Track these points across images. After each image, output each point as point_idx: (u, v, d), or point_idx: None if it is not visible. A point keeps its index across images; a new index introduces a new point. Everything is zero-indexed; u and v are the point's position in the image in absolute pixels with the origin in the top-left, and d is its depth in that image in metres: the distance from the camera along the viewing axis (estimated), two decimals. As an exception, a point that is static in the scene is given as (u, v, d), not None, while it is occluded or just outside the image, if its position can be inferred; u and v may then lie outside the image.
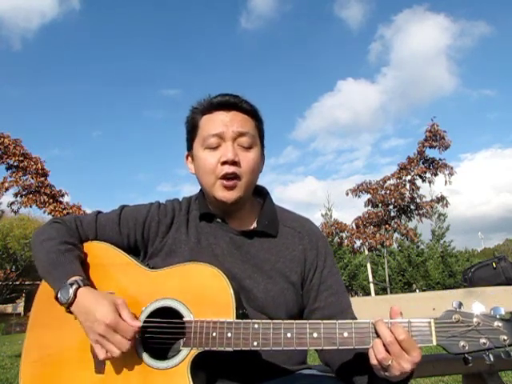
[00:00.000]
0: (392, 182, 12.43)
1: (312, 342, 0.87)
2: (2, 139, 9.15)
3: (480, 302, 0.83)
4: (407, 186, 12.21)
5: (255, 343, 0.89)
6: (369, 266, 13.58)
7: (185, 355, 0.93)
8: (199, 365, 0.94)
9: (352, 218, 12.90)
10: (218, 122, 1.09)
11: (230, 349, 0.90)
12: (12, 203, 9.47)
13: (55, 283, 1.00)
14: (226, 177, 1.07)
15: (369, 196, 12.65)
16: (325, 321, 0.88)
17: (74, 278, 0.99)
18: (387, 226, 12.33)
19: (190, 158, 1.20)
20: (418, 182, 12.22)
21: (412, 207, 12.43)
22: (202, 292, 0.97)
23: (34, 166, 9.45)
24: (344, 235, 12.99)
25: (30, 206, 9.48)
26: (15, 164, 9.38)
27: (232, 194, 1.08)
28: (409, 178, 12.20)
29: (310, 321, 0.89)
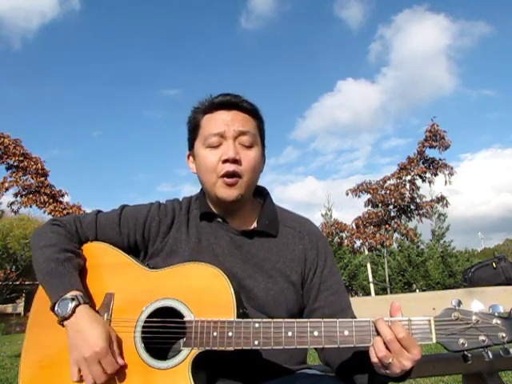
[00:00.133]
0: (392, 181, 12.44)
1: (313, 341, 0.88)
2: (2, 139, 9.15)
3: (479, 301, 0.84)
4: (407, 186, 12.21)
5: (256, 342, 0.89)
6: (369, 266, 13.58)
7: (185, 355, 0.93)
8: (200, 364, 0.94)
9: (352, 218, 12.91)
10: (220, 121, 1.10)
11: (230, 348, 0.90)
12: (12, 203, 9.47)
13: (52, 293, 1.01)
14: (226, 175, 1.07)
15: (369, 196, 12.66)
16: (325, 319, 0.89)
17: (74, 293, 0.99)
18: (387, 225, 12.33)
19: (191, 158, 1.20)
20: (418, 182, 12.23)
21: (412, 207, 12.43)
22: (202, 292, 0.97)
23: (34, 166, 9.45)
24: (344, 235, 13.00)
25: (30, 206, 9.49)
26: (15, 164, 9.38)
27: (233, 192, 1.09)
28: (409, 178, 12.20)
29: (310, 319, 0.90)
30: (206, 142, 1.11)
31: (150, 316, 0.99)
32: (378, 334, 0.84)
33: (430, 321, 0.85)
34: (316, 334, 0.88)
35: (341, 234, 13.14)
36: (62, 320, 0.97)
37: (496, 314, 0.83)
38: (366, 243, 12.30)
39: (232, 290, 0.95)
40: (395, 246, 23.40)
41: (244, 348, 0.90)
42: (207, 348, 0.92)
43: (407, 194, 12.21)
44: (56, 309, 0.98)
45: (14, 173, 9.40)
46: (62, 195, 9.82)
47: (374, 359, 0.84)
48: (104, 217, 1.16)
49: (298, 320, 0.90)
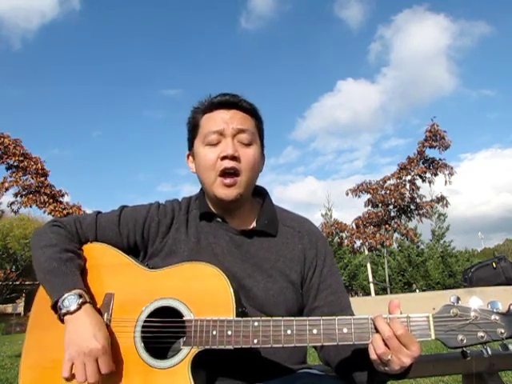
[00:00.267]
0: (392, 182, 12.44)
1: (312, 339, 0.88)
2: (2, 139, 9.15)
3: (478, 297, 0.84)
4: (407, 186, 12.22)
5: (255, 341, 0.89)
6: (369, 266, 13.58)
7: (185, 354, 0.93)
8: (200, 364, 0.95)
9: (352, 218, 12.92)
10: (219, 120, 1.11)
11: (230, 347, 0.91)
12: (12, 203, 9.47)
13: (54, 291, 1.00)
14: (225, 172, 1.08)
15: (369, 196, 12.66)
16: (324, 317, 0.89)
17: (79, 291, 0.99)
18: (387, 225, 12.34)
19: (191, 158, 1.21)
20: (418, 182, 12.24)
21: (412, 207, 12.44)
22: (201, 291, 0.97)
23: (34, 166, 9.45)
24: (344, 235, 13.00)
25: (30, 206, 9.49)
26: (15, 164, 9.38)
27: (232, 192, 1.09)
28: (409, 178, 12.21)
29: (309, 317, 0.90)
30: (205, 139, 1.11)
31: (149, 316, 0.99)
32: (377, 331, 0.85)
33: (428, 317, 0.85)
34: (315, 331, 0.88)
35: (341, 233, 13.14)
36: (65, 314, 0.97)
37: (495, 310, 0.83)
38: (366, 243, 12.30)
39: (231, 289, 0.95)
40: (395, 245, 23.40)
41: (243, 347, 0.90)
42: (207, 347, 0.92)
43: (407, 194, 12.21)
44: (59, 304, 0.98)
45: (14, 173, 9.40)
46: (62, 195, 9.82)
47: (372, 356, 0.85)
48: (104, 218, 1.17)
49: (296, 318, 0.90)
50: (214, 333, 0.92)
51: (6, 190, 9.30)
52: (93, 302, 1.02)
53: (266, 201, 1.22)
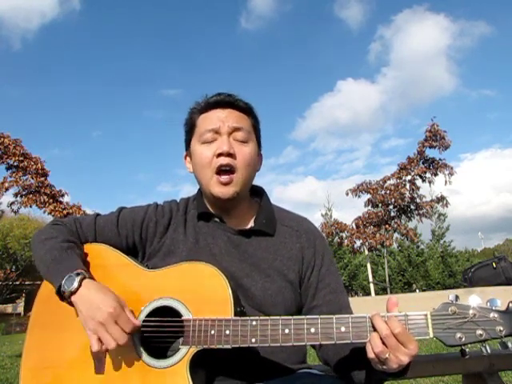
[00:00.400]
0: (392, 182, 12.45)
1: (310, 338, 0.88)
2: (2, 139, 9.15)
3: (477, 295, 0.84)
4: (407, 186, 12.23)
5: (253, 340, 0.89)
6: (369, 266, 13.58)
7: (184, 353, 0.93)
8: (198, 363, 0.95)
9: (352, 218, 12.93)
10: (215, 119, 1.13)
11: (228, 346, 0.91)
12: (12, 203, 9.47)
13: (57, 277, 1.01)
14: (221, 169, 1.09)
15: (369, 196, 12.67)
16: (322, 316, 0.89)
17: (78, 271, 1.00)
18: (387, 226, 12.34)
19: (188, 158, 1.22)
20: (418, 182, 12.25)
21: (412, 207, 12.44)
22: (200, 291, 0.97)
23: (34, 166, 9.45)
24: (344, 235, 13.01)
25: (30, 206, 9.49)
26: (15, 164, 9.38)
27: (228, 190, 1.09)
28: (409, 178, 12.22)
29: (307, 316, 0.90)
30: (201, 138, 1.13)
31: (148, 315, 1.00)
32: (375, 329, 0.85)
33: (426, 315, 0.85)
34: (313, 330, 0.88)
35: (341, 233, 13.15)
36: (70, 296, 0.98)
37: (493, 308, 0.83)
38: (366, 243, 12.31)
39: (229, 288, 0.95)
40: (395, 245, 23.42)
41: (241, 346, 0.90)
42: (205, 346, 0.92)
43: (407, 194, 12.22)
44: (63, 285, 0.99)
45: (14, 173, 9.40)
46: (62, 195, 9.82)
47: (370, 355, 0.85)
48: (103, 219, 1.18)
49: (294, 317, 0.90)
50: (213, 332, 0.92)
51: (6, 190, 9.30)
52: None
53: (264, 200, 1.22)
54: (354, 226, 12.67)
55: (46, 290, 1.08)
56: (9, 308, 27.94)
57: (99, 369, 0.99)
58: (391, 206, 12.39)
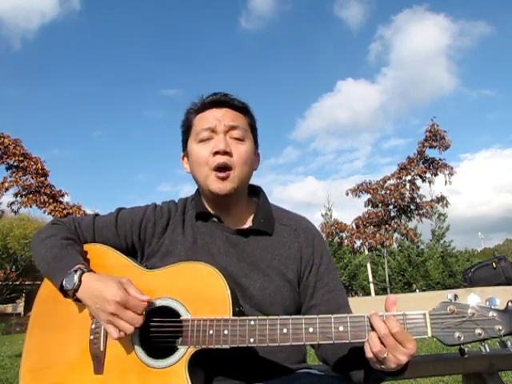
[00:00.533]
0: (392, 182, 12.46)
1: (308, 337, 0.88)
2: (2, 139, 9.16)
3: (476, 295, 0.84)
4: (407, 186, 12.23)
5: (252, 340, 0.89)
6: (369, 266, 13.59)
7: (182, 354, 0.93)
8: (197, 363, 0.95)
9: (352, 218, 12.93)
10: (211, 118, 1.13)
11: (226, 346, 0.91)
12: (12, 203, 9.48)
13: (59, 275, 1.01)
14: (218, 167, 1.09)
15: (369, 196, 12.67)
16: (320, 315, 0.89)
17: (77, 266, 1.01)
18: (387, 226, 12.35)
19: (185, 158, 1.22)
20: (418, 182, 12.26)
21: (412, 207, 12.45)
22: (198, 291, 0.97)
23: (34, 166, 9.46)
24: (344, 235, 13.02)
25: (30, 206, 9.50)
26: (15, 164, 9.39)
27: (225, 185, 1.10)
28: (409, 178, 12.22)
29: (305, 316, 0.90)
30: (198, 137, 1.13)
31: (147, 316, 0.99)
32: (373, 329, 0.84)
33: (425, 315, 0.84)
34: (311, 330, 0.88)
35: (341, 233, 13.16)
36: (74, 294, 0.98)
37: (493, 307, 0.82)
38: (366, 243, 12.31)
39: (228, 288, 0.95)
40: (395, 246, 23.40)
41: (240, 346, 0.90)
42: (203, 346, 0.92)
43: (407, 194, 12.22)
44: (64, 284, 0.99)
45: (14, 173, 9.41)
46: (62, 195, 9.83)
47: (369, 354, 0.84)
48: (101, 219, 1.19)
49: (292, 317, 0.90)
50: (211, 332, 0.92)
51: (6, 189, 9.31)
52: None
53: (262, 199, 1.22)
54: (354, 226, 12.67)
55: (46, 290, 1.08)
56: (9, 308, 27.94)
57: (98, 369, 0.99)
58: (391, 206, 12.40)
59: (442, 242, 24.04)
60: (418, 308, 0.86)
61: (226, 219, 1.16)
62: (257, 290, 1.07)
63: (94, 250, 1.14)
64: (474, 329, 0.82)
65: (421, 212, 12.43)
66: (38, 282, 1.13)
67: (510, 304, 0.81)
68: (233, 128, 1.13)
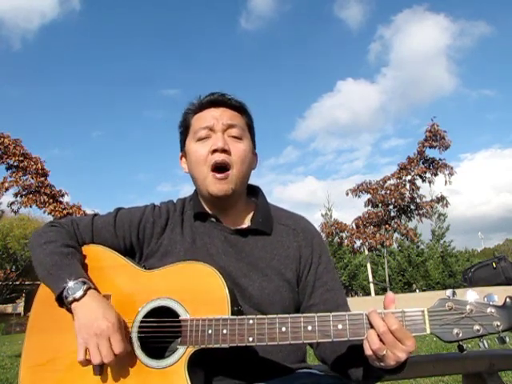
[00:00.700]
0: (392, 182, 12.46)
1: (307, 336, 0.88)
2: (2, 139, 9.16)
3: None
4: (407, 186, 12.24)
5: (250, 339, 0.89)
6: (369, 266, 13.60)
7: (181, 353, 0.93)
8: (196, 363, 0.94)
9: (352, 218, 12.94)
10: (209, 117, 1.14)
11: (225, 345, 0.90)
12: (12, 203, 9.49)
13: (58, 283, 1.00)
14: (216, 166, 1.09)
15: (369, 196, 12.68)
16: (319, 314, 0.89)
17: (83, 279, 1.00)
18: (387, 225, 12.35)
19: (183, 159, 1.23)
20: (418, 182, 12.27)
21: (412, 207, 12.45)
22: (197, 290, 0.97)
23: (34, 166, 9.46)
24: (344, 235, 13.02)
25: (30, 206, 9.51)
26: (15, 164, 9.40)
27: (224, 186, 1.10)
28: (409, 178, 12.23)
29: (304, 314, 0.90)
30: (196, 135, 1.14)
31: (146, 316, 0.99)
32: (372, 326, 0.84)
33: (423, 312, 0.84)
34: (310, 328, 0.88)
35: (341, 233, 13.16)
36: (71, 302, 0.97)
37: (491, 303, 0.82)
38: (366, 243, 12.32)
39: (226, 287, 0.95)
40: (395, 245, 23.43)
41: (239, 345, 0.90)
42: (202, 346, 0.92)
43: (407, 194, 12.23)
44: (65, 293, 0.98)
45: (14, 173, 9.41)
46: (62, 195, 9.83)
47: (368, 352, 0.84)
48: (100, 220, 1.18)
49: (291, 315, 0.90)
50: (210, 332, 0.92)
51: (6, 190, 9.32)
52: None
53: (260, 199, 1.22)
54: (354, 226, 12.68)
55: (45, 290, 1.07)
56: (9, 308, 27.94)
57: (97, 370, 0.98)
58: (391, 206, 12.40)
59: (442, 242, 24.07)
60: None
61: (224, 219, 1.16)
62: (256, 290, 1.07)
63: (92, 251, 1.13)
64: (473, 325, 0.81)
65: (421, 212, 12.44)
66: (38, 282, 1.12)
67: (508, 300, 0.81)
68: (231, 127, 1.13)
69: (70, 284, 0.98)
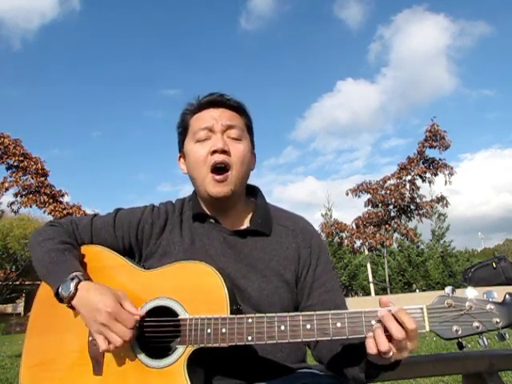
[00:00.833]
0: (392, 182, 12.48)
1: (306, 334, 0.87)
2: (2, 139, 9.17)
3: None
4: (407, 186, 12.25)
5: (249, 338, 0.89)
6: (369, 266, 13.60)
7: (181, 353, 0.93)
8: (196, 362, 0.94)
9: (352, 218, 12.95)
10: (208, 118, 1.14)
11: (224, 344, 0.90)
12: (12, 203, 9.50)
13: (56, 281, 1.01)
14: (216, 167, 1.09)
15: (369, 196, 12.69)
16: (318, 312, 0.89)
17: (74, 274, 1.00)
18: (387, 226, 12.36)
19: (182, 159, 1.22)
20: (418, 182, 12.28)
21: (412, 207, 12.47)
22: (196, 290, 0.97)
23: (34, 166, 9.47)
24: (344, 235, 13.03)
25: (30, 206, 9.52)
26: (15, 164, 9.41)
27: (223, 188, 1.10)
28: (409, 178, 12.25)
29: (303, 313, 0.90)
30: (195, 136, 1.13)
31: (145, 315, 0.99)
32: (385, 330, 0.82)
33: (422, 309, 0.84)
34: (309, 326, 0.87)
35: (341, 233, 13.17)
36: (69, 301, 0.98)
37: (490, 300, 0.82)
38: (366, 243, 12.32)
39: (225, 286, 0.95)
40: (395, 245, 23.43)
41: (238, 344, 0.90)
42: (201, 345, 0.92)
43: (407, 194, 12.24)
44: (60, 292, 0.99)
45: (14, 173, 9.42)
46: (62, 195, 9.85)
47: (372, 351, 0.83)
48: (99, 220, 1.18)
49: (290, 314, 0.90)
50: (209, 331, 0.91)
51: (6, 190, 9.33)
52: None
53: (259, 200, 1.22)
54: (354, 226, 12.68)
55: (45, 290, 1.08)
56: (9, 308, 27.95)
57: (97, 370, 0.98)
58: (391, 206, 12.41)
59: (442, 242, 24.07)
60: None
61: (223, 220, 1.16)
62: (255, 291, 1.07)
63: (91, 252, 1.14)
64: (472, 322, 0.81)
65: (421, 212, 12.45)
66: (38, 282, 1.12)
67: (507, 296, 0.81)
68: (230, 127, 1.13)
69: (65, 282, 0.99)
